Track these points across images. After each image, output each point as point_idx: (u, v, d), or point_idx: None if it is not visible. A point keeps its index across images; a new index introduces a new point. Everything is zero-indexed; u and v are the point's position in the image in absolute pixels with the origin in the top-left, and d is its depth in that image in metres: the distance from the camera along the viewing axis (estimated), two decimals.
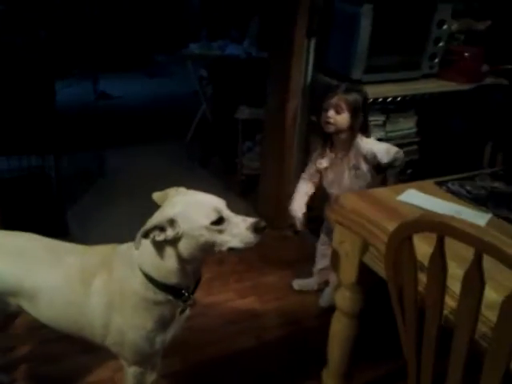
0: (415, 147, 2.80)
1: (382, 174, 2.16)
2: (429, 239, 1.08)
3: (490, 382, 1.00)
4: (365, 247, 1.45)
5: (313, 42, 2.72)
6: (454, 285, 1.06)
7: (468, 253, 0.96)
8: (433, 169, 2.46)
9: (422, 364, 1.18)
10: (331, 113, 2.09)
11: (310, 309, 2.42)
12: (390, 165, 2.05)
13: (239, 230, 1.28)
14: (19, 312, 1.57)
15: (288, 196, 2.98)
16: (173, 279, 1.33)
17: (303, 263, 2.72)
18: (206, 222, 1.26)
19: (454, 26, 2.88)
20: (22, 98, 2.68)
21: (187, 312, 1.46)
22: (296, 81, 2.79)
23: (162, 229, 1.26)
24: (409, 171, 2.54)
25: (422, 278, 1.12)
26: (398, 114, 2.76)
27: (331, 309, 1.77)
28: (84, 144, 3.44)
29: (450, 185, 1.68)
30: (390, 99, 2.65)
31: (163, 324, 1.42)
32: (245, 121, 3.45)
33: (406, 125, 2.80)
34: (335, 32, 2.66)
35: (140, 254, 1.34)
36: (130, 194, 3.40)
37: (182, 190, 1.39)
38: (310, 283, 2.55)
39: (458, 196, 1.62)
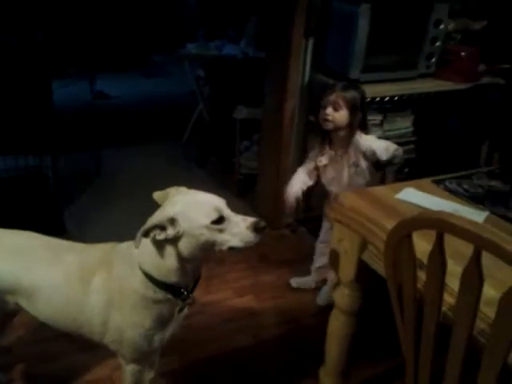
0: (412, 146, 2.81)
1: (380, 171, 2.17)
2: (428, 237, 1.09)
3: (488, 377, 1.01)
4: (363, 245, 1.46)
5: (311, 42, 2.72)
6: (453, 282, 1.06)
7: (467, 250, 0.97)
8: (430, 168, 2.48)
9: (420, 361, 1.18)
10: (329, 110, 2.10)
11: (307, 307, 2.43)
12: (389, 162, 2.06)
13: (239, 229, 1.28)
14: (17, 311, 1.57)
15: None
16: (172, 278, 1.34)
17: (301, 262, 2.73)
18: (207, 221, 1.26)
19: (451, 26, 2.89)
20: (19, 97, 2.68)
21: (186, 310, 1.47)
22: (294, 80, 2.79)
23: (162, 228, 1.27)
24: (406, 170, 2.55)
25: (421, 275, 1.13)
26: (395, 114, 2.77)
27: (329, 307, 1.77)
28: (81, 144, 3.43)
29: (447, 183, 1.69)
30: (387, 98, 2.66)
31: (162, 322, 1.42)
32: (242, 120, 3.46)
33: (403, 124, 2.81)
34: (333, 31, 2.66)
35: (140, 253, 1.34)
36: (127, 193, 3.40)
37: (183, 189, 1.39)
38: (307, 281, 2.56)
39: (455, 194, 1.62)
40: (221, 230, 1.28)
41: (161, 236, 1.27)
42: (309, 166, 2.27)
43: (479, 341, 1.06)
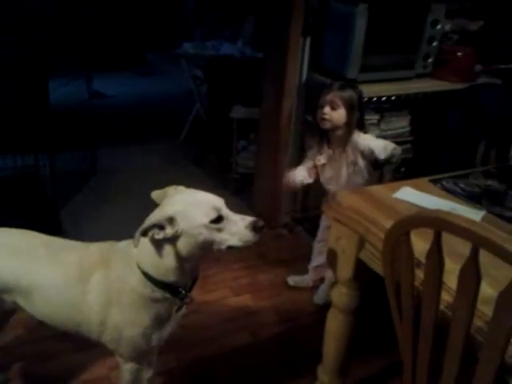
0: (409, 146, 2.82)
1: (378, 170, 2.18)
2: (425, 236, 1.10)
3: (486, 374, 1.01)
4: (361, 244, 1.47)
5: (308, 41, 2.73)
6: (450, 280, 1.07)
7: (464, 248, 0.98)
8: (426, 167, 2.49)
9: (417, 359, 1.19)
10: (327, 109, 2.11)
11: (304, 306, 2.44)
12: (387, 161, 2.07)
13: (238, 228, 1.29)
14: (15, 310, 1.56)
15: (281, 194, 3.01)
16: (171, 277, 1.34)
17: (298, 261, 2.74)
18: (205, 220, 1.27)
19: (448, 26, 2.91)
20: (15, 97, 2.67)
21: (183, 310, 1.47)
22: (291, 80, 2.80)
23: (161, 227, 1.27)
24: (402, 169, 2.56)
25: (419, 274, 1.14)
26: (392, 113, 2.78)
27: (326, 306, 1.78)
28: (77, 143, 3.43)
29: (444, 182, 1.70)
30: (384, 98, 2.67)
31: (160, 321, 1.42)
32: (239, 120, 3.46)
33: (400, 124, 2.82)
34: (330, 31, 2.67)
35: (138, 252, 1.34)
36: (124, 192, 3.41)
37: (181, 188, 1.40)
38: (305, 280, 2.57)
39: (452, 193, 1.63)
40: (219, 230, 1.28)
41: (159, 235, 1.27)
42: (307, 164, 2.28)
43: (476, 339, 1.06)
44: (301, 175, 2.25)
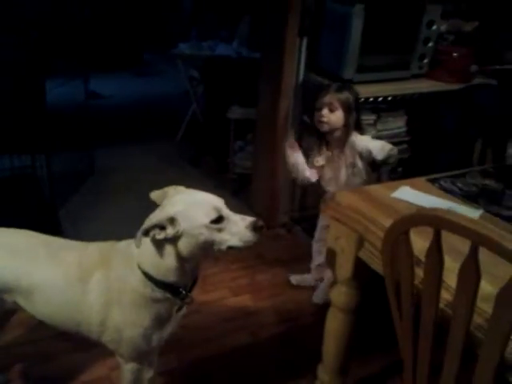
0: (405, 146, 2.84)
1: (376, 171, 2.19)
2: (424, 234, 1.11)
3: (485, 371, 1.02)
4: (360, 243, 1.47)
5: (304, 42, 2.74)
6: (450, 278, 1.08)
7: (463, 246, 0.98)
8: (423, 167, 2.51)
9: (418, 357, 1.20)
10: (325, 111, 2.12)
11: (304, 306, 2.45)
12: (385, 162, 2.08)
13: (238, 228, 1.29)
14: (15, 310, 1.56)
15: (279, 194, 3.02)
16: (171, 277, 1.34)
17: (296, 261, 2.75)
18: (206, 220, 1.27)
19: (443, 27, 2.92)
20: (12, 97, 2.67)
21: (184, 310, 1.47)
22: (288, 80, 2.81)
23: (162, 227, 1.27)
24: (399, 169, 2.58)
25: (418, 272, 1.14)
26: (389, 114, 2.79)
27: (325, 305, 1.79)
28: (75, 143, 3.43)
29: (442, 182, 1.71)
30: (380, 99, 2.68)
31: (160, 321, 1.42)
32: (236, 120, 3.47)
33: (397, 124, 2.84)
34: (327, 32, 2.68)
35: (139, 252, 1.34)
36: (122, 192, 3.41)
37: (181, 188, 1.40)
38: (307, 279, 2.57)
39: (450, 193, 1.64)
40: (220, 230, 1.29)
41: (160, 235, 1.27)
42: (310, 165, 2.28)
43: (476, 336, 1.07)
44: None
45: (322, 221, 2.37)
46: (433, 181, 1.73)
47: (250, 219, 1.31)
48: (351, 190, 1.75)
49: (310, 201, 3.06)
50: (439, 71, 2.86)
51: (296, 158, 2.23)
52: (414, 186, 1.67)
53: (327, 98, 2.12)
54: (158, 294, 1.36)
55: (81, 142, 3.54)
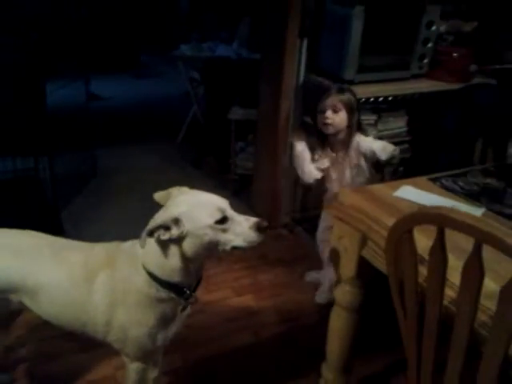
0: (406, 146, 2.85)
1: (380, 172, 2.21)
2: (427, 233, 1.12)
3: (490, 368, 1.03)
4: (363, 242, 1.48)
5: (305, 43, 2.75)
6: (453, 276, 1.09)
7: (467, 244, 0.99)
8: (424, 167, 2.52)
9: (422, 355, 1.20)
10: (329, 113, 2.13)
11: (306, 305, 2.46)
12: (388, 162, 2.10)
13: (243, 229, 1.30)
14: (21, 310, 1.57)
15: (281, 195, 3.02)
16: (176, 277, 1.35)
17: (298, 261, 2.77)
18: (210, 221, 1.28)
19: (443, 27, 2.93)
20: (13, 99, 2.68)
21: (188, 310, 1.48)
22: (288, 81, 2.82)
23: (166, 228, 1.28)
24: (401, 169, 2.59)
25: (422, 270, 1.15)
26: (389, 114, 2.81)
27: (328, 305, 1.80)
28: (76, 145, 3.44)
29: (443, 181, 1.72)
30: (381, 99, 2.69)
31: (165, 321, 1.43)
32: (237, 121, 3.48)
33: (397, 124, 2.85)
34: (327, 33, 2.69)
35: (144, 253, 1.35)
36: (124, 193, 3.42)
37: (185, 189, 1.41)
38: (321, 276, 2.55)
39: (451, 192, 1.65)
40: (224, 230, 1.30)
41: (165, 236, 1.28)
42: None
43: (480, 333, 1.08)
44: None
45: (324, 221, 2.37)
46: (434, 180, 1.74)
47: (254, 220, 1.32)
48: (354, 189, 1.76)
49: (311, 201, 3.07)
50: (439, 71, 2.87)
51: (302, 149, 2.23)
52: (415, 185, 1.68)
53: (330, 100, 2.14)
54: (163, 293, 1.37)
55: (83, 143, 3.55)
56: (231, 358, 2.12)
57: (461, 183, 1.71)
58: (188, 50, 4.54)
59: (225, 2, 5.71)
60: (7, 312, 1.54)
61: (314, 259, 2.71)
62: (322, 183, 2.30)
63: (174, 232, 1.28)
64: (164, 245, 1.32)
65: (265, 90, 3.01)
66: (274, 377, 2.06)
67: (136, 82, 6.48)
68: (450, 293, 1.13)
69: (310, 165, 2.23)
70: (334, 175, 2.25)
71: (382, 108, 2.77)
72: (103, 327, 1.45)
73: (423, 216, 1.09)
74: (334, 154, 2.23)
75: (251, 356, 2.15)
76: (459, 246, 1.09)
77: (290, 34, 2.71)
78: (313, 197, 2.98)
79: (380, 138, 2.68)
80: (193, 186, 1.41)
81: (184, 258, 1.32)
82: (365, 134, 2.25)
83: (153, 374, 1.66)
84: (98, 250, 1.49)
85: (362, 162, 2.17)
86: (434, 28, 2.78)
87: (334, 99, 2.13)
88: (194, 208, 1.31)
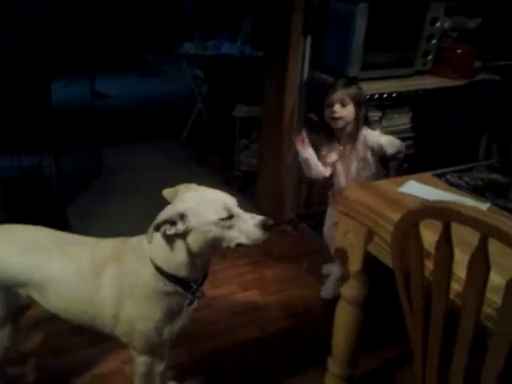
0: (411, 142, 2.85)
1: (385, 167, 2.22)
2: (433, 228, 1.12)
3: (495, 361, 1.04)
4: (369, 237, 1.49)
5: (309, 40, 2.75)
6: (459, 270, 1.09)
7: (472, 239, 1.00)
8: (428, 163, 2.52)
9: (428, 348, 1.21)
10: (337, 107, 2.14)
11: (311, 300, 2.47)
12: (394, 156, 2.11)
13: (248, 226, 1.31)
14: (30, 305, 1.59)
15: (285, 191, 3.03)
16: (182, 272, 1.37)
17: (302, 257, 2.79)
18: (215, 217, 1.29)
19: (447, 24, 2.93)
20: (19, 98, 2.70)
21: (195, 304, 1.50)
22: (292, 79, 2.83)
23: (172, 223, 1.30)
24: (405, 165, 2.59)
25: (428, 264, 1.16)
26: (394, 110, 2.81)
27: (333, 300, 1.81)
28: (82, 143, 3.46)
29: (448, 176, 1.73)
30: (385, 95, 2.70)
31: (172, 315, 1.45)
32: (241, 118, 3.50)
33: (402, 120, 2.86)
34: (331, 30, 2.70)
35: (151, 247, 1.37)
36: (129, 191, 3.44)
37: (193, 186, 1.42)
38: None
39: (456, 187, 1.66)
40: (229, 227, 1.31)
41: (171, 231, 1.30)
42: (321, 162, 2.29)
43: (487, 326, 1.08)
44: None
45: (330, 218, 2.38)
46: (439, 175, 1.74)
47: (259, 218, 1.33)
48: (359, 185, 1.77)
49: (315, 198, 3.08)
50: (443, 68, 2.87)
51: (308, 153, 2.23)
52: (420, 181, 1.69)
53: (338, 94, 2.15)
54: (170, 288, 1.39)
55: (88, 141, 3.57)
56: (237, 352, 2.14)
57: (466, 178, 1.71)
58: (192, 48, 4.55)
59: (228, 0, 5.71)
60: (16, 306, 1.55)
61: (318, 255, 2.73)
62: (328, 177, 2.30)
63: (180, 227, 1.30)
64: (170, 239, 1.33)
65: (269, 88, 3.02)
66: (280, 371, 2.07)
67: (140, 80, 6.49)
68: (455, 286, 1.14)
69: (317, 167, 2.24)
70: (340, 168, 2.26)
71: (386, 105, 2.78)
72: (111, 321, 1.46)
73: (429, 210, 1.10)
74: (341, 147, 2.24)
75: (257, 350, 2.17)
76: (465, 241, 1.10)
77: (293, 31, 2.72)
78: (317, 193, 2.99)
79: (385, 134, 2.69)
80: (197, 183, 1.42)
81: (190, 252, 1.33)
82: (372, 128, 2.26)
83: (159, 367, 1.68)
84: (106, 245, 1.51)
85: (369, 156, 2.18)
86: (438, 24, 2.78)
87: (341, 93, 2.14)
88: (200, 204, 1.32)
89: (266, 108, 3.10)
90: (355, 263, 1.57)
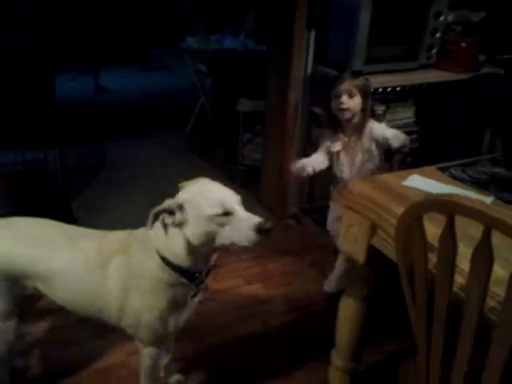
0: (415, 136, 2.85)
1: (389, 160, 2.22)
2: (436, 222, 1.13)
3: (499, 353, 1.04)
4: (373, 230, 1.50)
5: (312, 34, 2.75)
6: (462, 263, 1.09)
7: (476, 232, 0.99)
8: (432, 157, 2.52)
9: (431, 341, 1.21)
10: (344, 98, 2.14)
11: (314, 294, 2.48)
12: (399, 150, 2.11)
13: (242, 227, 1.30)
14: (38, 297, 1.61)
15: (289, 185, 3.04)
16: (185, 263, 1.38)
17: (306, 251, 2.79)
18: (209, 212, 1.29)
19: (451, 17, 2.92)
20: (23, 93, 2.71)
21: (199, 296, 1.51)
22: (296, 73, 2.83)
23: (171, 212, 1.31)
24: (409, 159, 2.59)
25: (431, 257, 1.16)
26: (398, 104, 2.81)
27: (334, 294, 1.81)
28: (86, 137, 3.48)
29: (452, 170, 1.73)
30: (389, 89, 2.70)
31: (176, 305, 1.46)
32: (244, 113, 3.50)
33: (406, 114, 2.85)
34: (335, 24, 2.69)
35: (157, 238, 1.38)
36: (133, 184, 3.46)
37: (203, 180, 1.43)
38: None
39: (460, 180, 1.66)
40: (222, 225, 1.30)
41: (169, 220, 1.31)
42: (322, 152, 2.29)
43: (490, 318, 1.09)
44: (315, 161, 2.25)
45: (333, 212, 2.38)
46: (443, 169, 1.74)
47: (256, 220, 1.31)
48: (363, 178, 1.77)
49: (318, 192, 3.08)
50: (447, 61, 2.86)
51: (307, 170, 2.24)
52: (424, 175, 1.68)
53: (345, 85, 2.14)
54: (175, 277, 1.40)
55: (92, 135, 3.58)
56: (241, 345, 2.16)
57: (470, 172, 1.71)
58: (195, 42, 4.55)
59: None
60: (23, 298, 1.56)
61: (321, 249, 2.74)
62: (332, 168, 2.31)
63: (178, 217, 1.31)
64: (171, 230, 1.34)
65: (273, 82, 3.02)
66: (283, 364, 2.08)
67: (144, 74, 6.51)
68: (459, 279, 1.14)
69: (318, 164, 2.25)
70: (344, 159, 2.26)
71: (390, 98, 2.77)
72: (117, 313, 1.48)
73: (433, 203, 1.10)
74: (346, 139, 2.24)
75: (260, 343, 2.18)
76: (468, 234, 1.10)
77: (297, 25, 2.72)
78: (320, 187, 2.99)
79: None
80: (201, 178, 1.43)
81: (189, 244, 1.34)
82: (377, 121, 2.25)
83: (163, 360, 1.69)
84: (112, 237, 1.52)
85: (373, 148, 2.18)
86: (442, 18, 2.77)
87: (348, 84, 2.14)
88: (199, 197, 1.33)
89: (269, 102, 3.10)
90: (359, 257, 1.57)
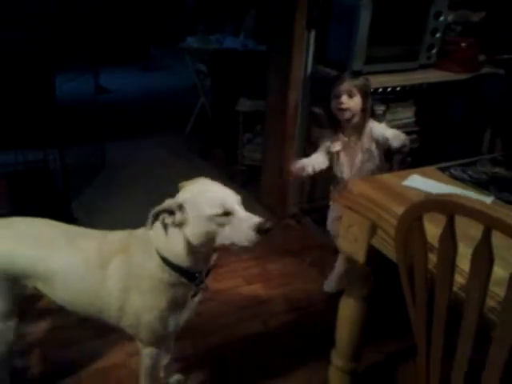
0: (415, 136, 2.85)
1: (389, 160, 2.22)
2: (436, 222, 1.13)
3: (499, 353, 1.04)
4: (373, 230, 1.50)
5: (312, 34, 2.75)
6: (462, 263, 1.10)
7: (476, 232, 0.99)
8: (432, 157, 2.52)
9: (431, 341, 1.21)
10: (344, 98, 2.14)
11: (314, 294, 2.48)
12: (399, 150, 2.11)
13: (242, 227, 1.30)
14: (38, 297, 1.60)
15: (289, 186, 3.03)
16: (185, 262, 1.38)
17: (306, 251, 2.80)
18: (209, 212, 1.29)
19: (451, 17, 2.93)
20: (23, 93, 2.71)
21: (199, 296, 1.51)
22: (296, 73, 2.83)
23: (171, 212, 1.31)
24: (409, 159, 2.59)
25: (431, 257, 1.16)
26: (398, 104, 2.81)
27: (334, 294, 1.81)
28: (86, 137, 3.48)
29: (452, 170, 1.73)
30: (389, 89, 2.70)
31: (176, 305, 1.46)
32: (245, 113, 3.50)
33: (405, 114, 2.85)
34: (335, 24, 2.69)
35: (157, 238, 1.38)
36: (133, 185, 3.46)
37: (203, 180, 1.43)
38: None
39: (460, 180, 1.66)
40: (222, 225, 1.30)
41: (169, 220, 1.31)
42: (322, 152, 2.29)
43: (490, 318, 1.09)
44: (315, 161, 2.25)
45: (333, 212, 2.38)
46: (443, 169, 1.74)
47: (256, 220, 1.31)
48: (363, 178, 1.77)
49: (319, 192, 3.08)
50: (447, 61, 2.86)
51: (307, 170, 2.24)
52: (424, 175, 1.68)
53: (345, 85, 2.14)
54: (175, 277, 1.39)
55: (92, 135, 3.58)
56: (241, 345, 2.16)
57: (470, 172, 1.71)
58: (195, 42, 4.55)
59: None
60: (23, 298, 1.56)
61: (321, 249, 2.74)
62: (332, 168, 2.31)
63: (178, 217, 1.31)
64: (171, 230, 1.34)
65: (273, 82, 3.03)
66: (283, 364, 2.08)
67: (144, 74, 6.51)
68: (459, 279, 1.14)
69: (318, 164, 2.25)
70: (344, 159, 2.26)
71: (390, 98, 2.77)
72: (117, 312, 1.48)
73: (433, 203, 1.10)
74: (346, 139, 2.24)
75: (260, 343, 2.18)
76: (468, 234, 1.10)
77: (297, 25, 2.72)
78: (321, 187, 3.00)
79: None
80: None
81: (189, 244, 1.34)
82: (377, 121, 2.25)
83: (164, 360, 1.69)
84: (112, 237, 1.52)
85: (373, 148, 2.18)
86: (442, 18, 2.77)
87: (348, 84, 2.14)
88: (199, 197, 1.33)
89: (269, 102, 3.10)
90: (359, 257, 1.57)
